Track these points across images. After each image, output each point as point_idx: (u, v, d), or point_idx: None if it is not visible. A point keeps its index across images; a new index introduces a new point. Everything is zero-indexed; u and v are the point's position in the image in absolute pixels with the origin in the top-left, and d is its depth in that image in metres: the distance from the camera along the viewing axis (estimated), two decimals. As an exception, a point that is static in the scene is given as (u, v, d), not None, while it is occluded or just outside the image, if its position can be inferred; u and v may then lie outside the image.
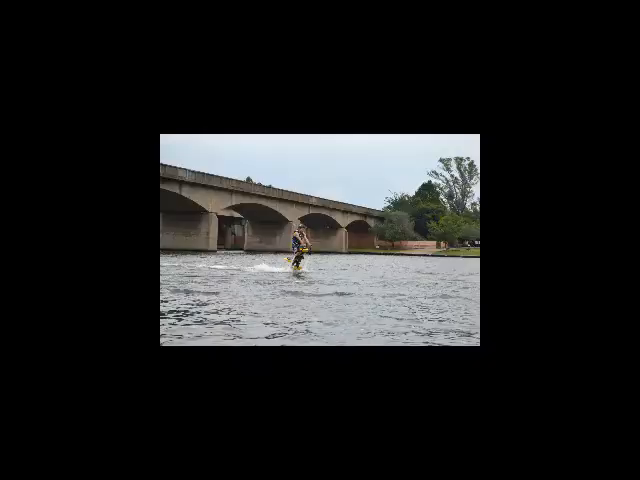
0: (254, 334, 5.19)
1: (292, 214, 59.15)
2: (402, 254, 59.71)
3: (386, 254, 57.75)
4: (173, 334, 5.03)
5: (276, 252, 44.01)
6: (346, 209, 70.22)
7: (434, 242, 73.36)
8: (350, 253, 59.31)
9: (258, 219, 59.64)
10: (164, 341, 4.49)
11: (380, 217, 76.16)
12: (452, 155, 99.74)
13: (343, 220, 69.01)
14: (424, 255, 59.70)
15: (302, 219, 59.22)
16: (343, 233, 68.61)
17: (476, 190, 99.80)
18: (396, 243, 72.52)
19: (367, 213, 76.08)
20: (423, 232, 74.99)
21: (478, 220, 79.79)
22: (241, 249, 59.90)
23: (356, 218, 72.64)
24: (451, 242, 71.82)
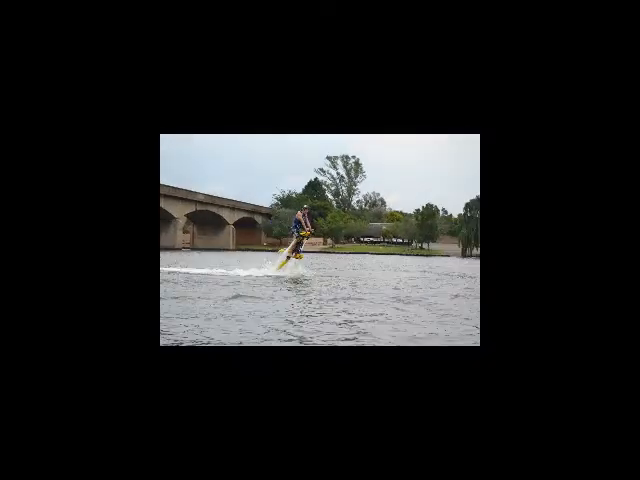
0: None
1: (178, 211, 59.13)
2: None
3: (275, 251, 57.72)
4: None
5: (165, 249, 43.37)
6: (234, 206, 69.84)
7: (321, 239, 74.44)
8: (238, 250, 58.79)
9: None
10: (164, 341, 4.38)
11: (268, 214, 76.17)
12: (339, 153, 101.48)
13: (231, 217, 68.25)
14: (312, 252, 60.34)
15: (188, 216, 58.43)
16: (231, 230, 68.13)
17: (361, 188, 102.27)
18: (284, 240, 72.80)
19: (255, 210, 75.59)
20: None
21: (363, 217, 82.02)
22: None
23: (244, 215, 72.10)
24: (337, 238, 73.21)
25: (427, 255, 58.97)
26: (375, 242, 75.03)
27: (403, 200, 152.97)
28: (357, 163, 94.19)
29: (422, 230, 68.90)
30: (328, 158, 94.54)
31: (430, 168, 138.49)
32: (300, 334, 5.20)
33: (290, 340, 4.84)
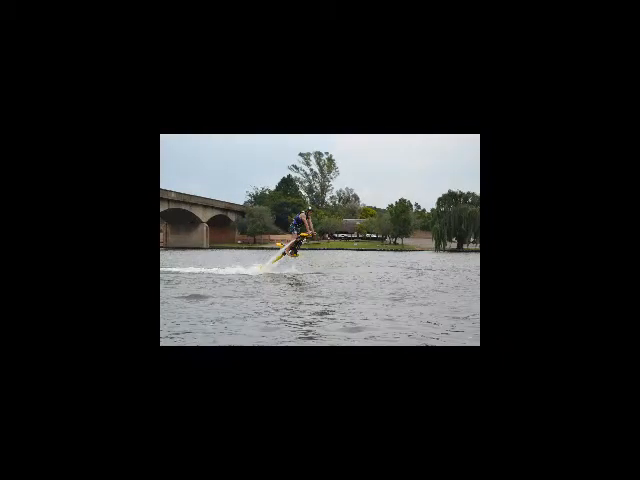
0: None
1: (150, 209, 57.98)
2: (264, 248, 60.04)
3: (249, 248, 57.64)
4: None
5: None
6: (207, 204, 69.52)
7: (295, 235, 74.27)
8: (212, 248, 58.47)
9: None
10: (164, 341, 4.40)
11: (241, 212, 75.87)
12: (311, 150, 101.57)
13: (204, 215, 68.13)
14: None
15: (161, 214, 57.90)
16: (204, 228, 67.74)
17: (335, 184, 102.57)
18: (257, 237, 72.67)
19: (228, 208, 75.29)
20: (284, 226, 75.80)
21: (337, 213, 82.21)
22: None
23: (217, 213, 71.75)
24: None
25: (401, 250, 59.26)
26: (349, 238, 75.29)
27: (376, 195, 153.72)
28: (330, 159, 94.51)
29: (396, 225, 69.27)
30: (301, 155, 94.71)
31: (402, 163, 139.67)
32: (306, 332, 5.22)
33: (296, 339, 4.84)
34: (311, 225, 14.77)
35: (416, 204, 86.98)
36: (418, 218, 76.01)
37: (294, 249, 14.73)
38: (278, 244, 15.77)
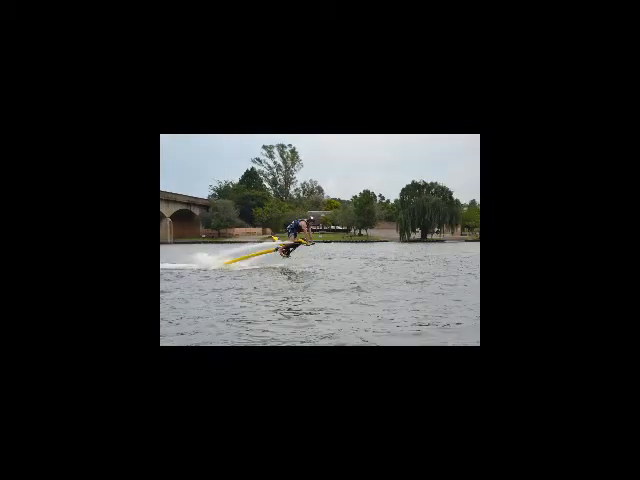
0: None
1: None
2: (230, 242, 59.88)
3: (214, 242, 57.27)
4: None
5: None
6: (169, 198, 69.00)
7: (260, 229, 74.24)
8: (177, 243, 57.90)
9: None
10: (164, 341, 4.38)
11: (205, 206, 75.31)
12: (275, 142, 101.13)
13: (167, 210, 67.85)
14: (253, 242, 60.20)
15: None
16: (168, 223, 67.21)
17: (298, 177, 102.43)
18: (222, 231, 72.28)
19: (192, 202, 74.95)
20: (249, 219, 75.55)
21: (301, 205, 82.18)
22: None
23: (181, 207, 71.27)
24: (276, 228, 73.32)
25: (366, 241, 59.66)
26: (314, 230, 75.43)
27: (340, 187, 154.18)
28: (293, 151, 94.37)
29: (360, 217, 69.70)
30: (264, 147, 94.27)
31: (367, 155, 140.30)
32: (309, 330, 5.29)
33: (300, 339, 4.86)
34: (311, 234, 15.50)
35: (380, 195, 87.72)
36: (382, 209, 76.65)
37: (288, 251, 15.10)
38: (274, 238, 15.98)
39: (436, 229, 67.42)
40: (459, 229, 74.50)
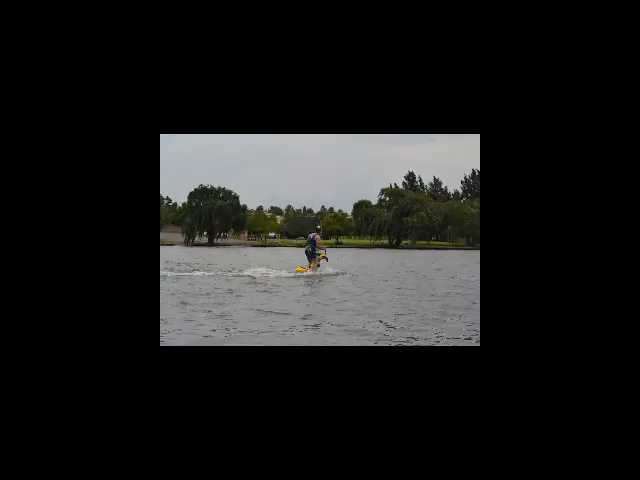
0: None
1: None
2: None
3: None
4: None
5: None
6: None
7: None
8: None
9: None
10: (164, 341, 4.40)
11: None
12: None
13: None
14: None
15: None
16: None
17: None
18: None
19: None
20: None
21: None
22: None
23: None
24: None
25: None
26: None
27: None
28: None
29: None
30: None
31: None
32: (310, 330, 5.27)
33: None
34: (321, 243, 15.77)
35: (167, 197, 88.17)
36: (169, 212, 76.96)
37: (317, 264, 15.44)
38: (299, 269, 15.69)
39: (224, 234, 67.97)
40: (246, 234, 75.90)
